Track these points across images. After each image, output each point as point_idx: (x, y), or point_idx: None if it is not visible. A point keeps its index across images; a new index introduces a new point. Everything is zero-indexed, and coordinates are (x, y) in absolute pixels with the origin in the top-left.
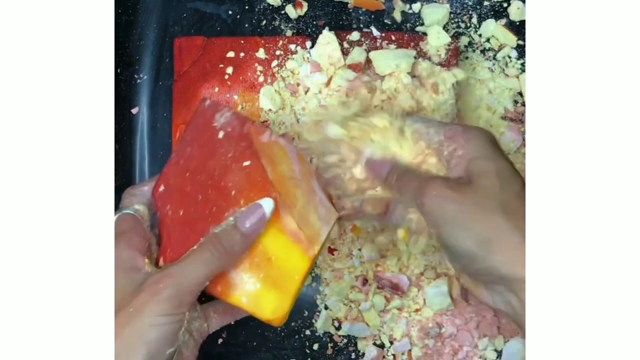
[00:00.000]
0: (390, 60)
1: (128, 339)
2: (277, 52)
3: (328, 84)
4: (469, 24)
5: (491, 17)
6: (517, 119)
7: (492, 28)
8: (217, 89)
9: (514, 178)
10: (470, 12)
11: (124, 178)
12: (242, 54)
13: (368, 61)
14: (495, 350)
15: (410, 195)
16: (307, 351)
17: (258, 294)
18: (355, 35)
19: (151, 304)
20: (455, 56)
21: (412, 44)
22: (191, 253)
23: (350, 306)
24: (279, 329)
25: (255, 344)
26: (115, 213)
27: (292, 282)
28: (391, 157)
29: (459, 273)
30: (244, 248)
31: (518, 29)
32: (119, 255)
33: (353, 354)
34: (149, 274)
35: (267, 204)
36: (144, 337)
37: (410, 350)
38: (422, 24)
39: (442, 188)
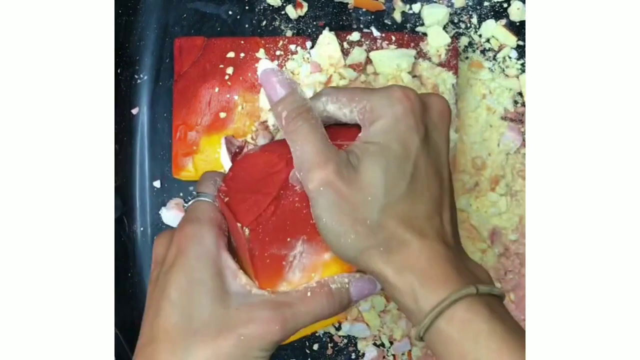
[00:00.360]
0: (391, 60)
1: None
2: (277, 53)
3: (328, 83)
4: (469, 24)
5: (491, 18)
6: (517, 119)
7: (493, 28)
8: (217, 89)
9: (403, 169)
10: (470, 13)
11: (124, 178)
12: (242, 54)
13: (367, 62)
14: None
15: (297, 154)
16: (307, 351)
17: None
18: (355, 36)
19: (262, 342)
20: (455, 56)
21: (412, 44)
22: (304, 300)
23: None
24: None
25: None
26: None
27: (309, 330)
28: (294, 84)
29: None
30: (344, 311)
31: (518, 29)
32: (208, 252)
33: (353, 354)
34: (254, 296)
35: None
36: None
37: (410, 351)
38: (422, 24)
39: (332, 176)
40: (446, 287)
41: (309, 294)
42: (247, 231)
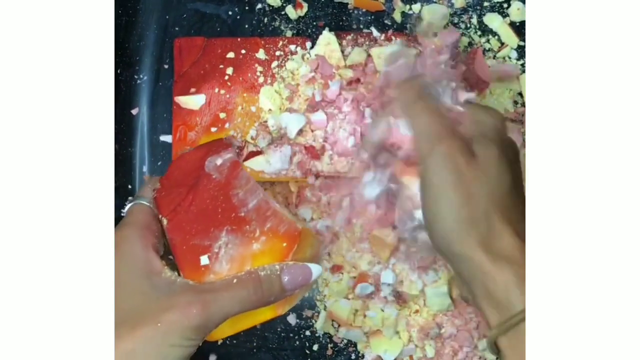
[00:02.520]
0: None
1: (149, 353)
2: (277, 53)
3: (327, 84)
4: (469, 24)
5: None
6: (517, 119)
7: (497, 25)
8: (217, 90)
9: (510, 167)
10: (470, 13)
11: (124, 178)
12: (242, 55)
13: (367, 62)
14: None
15: (421, 129)
16: (307, 352)
17: None
18: (355, 36)
19: (181, 326)
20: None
21: (412, 44)
22: (229, 286)
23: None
24: (279, 329)
25: (255, 344)
26: (128, 202)
27: (248, 323)
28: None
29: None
30: (279, 300)
31: (518, 29)
32: (133, 253)
33: (353, 354)
34: (176, 285)
35: (316, 271)
36: (164, 356)
37: (412, 355)
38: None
39: (456, 152)
40: None
41: (235, 280)
42: (165, 221)
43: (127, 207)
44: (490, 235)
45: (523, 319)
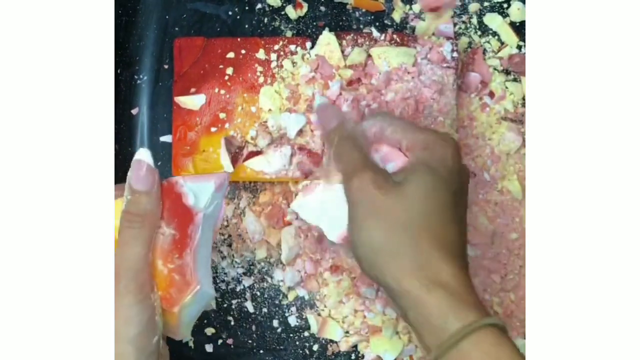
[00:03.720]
0: (392, 58)
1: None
2: (277, 53)
3: (327, 85)
4: (469, 24)
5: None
6: (517, 119)
7: (498, 24)
8: (217, 90)
9: (444, 194)
10: (470, 13)
11: (124, 178)
12: (242, 55)
13: (367, 62)
14: None
15: (342, 166)
16: (307, 352)
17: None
18: (355, 36)
19: (116, 302)
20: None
21: (412, 44)
22: (118, 239)
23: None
24: (279, 329)
25: (255, 344)
26: None
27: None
28: (343, 115)
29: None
30: (154, 203)
31: (518, 29)
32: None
33: (353, 354)
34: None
35: (143, 155)
36: (125, 335)
37: (412, 355)
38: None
39: (368, 184)
40: (476, 311)
41: (118, 232)
42: None
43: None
44: (418, 262)
45: (461, 338)
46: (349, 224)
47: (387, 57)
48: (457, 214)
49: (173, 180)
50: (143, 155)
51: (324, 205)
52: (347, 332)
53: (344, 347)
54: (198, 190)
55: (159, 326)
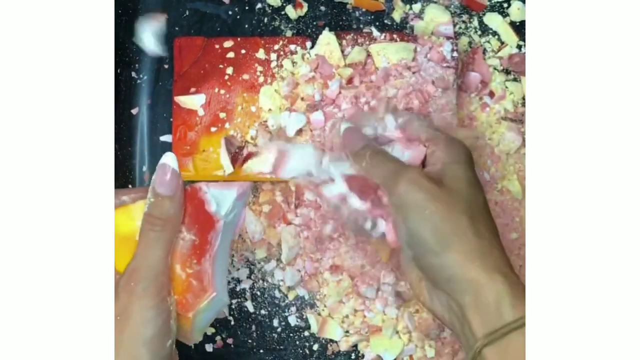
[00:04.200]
0: (391, 54)
1: (127, 346)
2: (277, 53)
3: (326, 84)
4: (469, 24)
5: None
6: (517, 119)
7: (498, 24)
8: (217, 89)
9: (480, 190)
10: (470, 12)
11: (124, 178)
12: (242, 55)
13: (366, 62)
14: None
15: (382, 175)
16: (307, 351)
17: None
18: (355, 36)
19: (134, 303)
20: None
21: (412, 44)
22: (139, 241)
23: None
24: (279, 329)
25: (255, 344)
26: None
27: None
28: (368, 137)
29: (408, 265)
30: (177, 207)
31: (518, 29)
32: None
33: (353, 354)
34: (118, 279)
35: (169, 159)
36: (141, 337)
37: (412, 355)
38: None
39: (419, 176)
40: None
41: (138, 234)
42: None
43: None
44: (480, 248)
45: (512, 330)
46: (403, 221)
47: (386, 53)
48: (488, 208)
49: (197, 186)
50: (168, 160)
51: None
52: (347, 331)
53: (344, 346)
54: (220, 198)
55: (173, 330)
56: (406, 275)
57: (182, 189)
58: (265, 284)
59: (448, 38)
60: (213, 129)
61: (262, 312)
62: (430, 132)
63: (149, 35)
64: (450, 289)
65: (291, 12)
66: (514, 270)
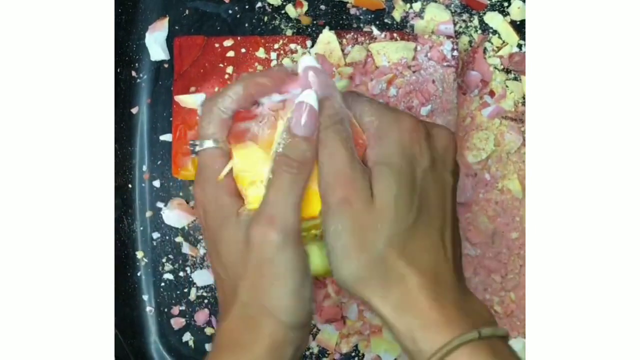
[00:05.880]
0: (391, 53)
1: (274, 297)
2: (277, 52)
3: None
4: (469, 23)
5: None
6: (517, 118)
7: (498, 23)
8: (217, 89)
9: (411, 200)
10: (470, 11)
11: (124, 178)
12: (242, 54)
13: (366, 61)
14: None
15: (325, 168)
16: (307, 352)
17: None
18: (355, 35)
19: (276, 255)
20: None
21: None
22: (271, 184)
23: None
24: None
25: None
26: (195, 141)
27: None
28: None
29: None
30: (313, 150)
31: (518, 28)
32: (221, 201)
33: (353, 353)
34: (248, 219)
35: (309, 98)
36: (289, 288)
37: None
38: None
39: (352, 195)
40: (448, 331)
41: (269, 176)
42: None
43: (198, 149)
44: (388, 280)
45: (446, 354)
46: (327, 237)
47: (386, 52)
48: (429, 211)
49: None
50: (309, 98)
51: None
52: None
53: (344, 349)
54: None
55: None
56: None
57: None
58: None
59: (448, 37)
60: None
61: None
62: (378, 114)
63: (155, 44)
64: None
65: (291, 11)
66: (433, 304)
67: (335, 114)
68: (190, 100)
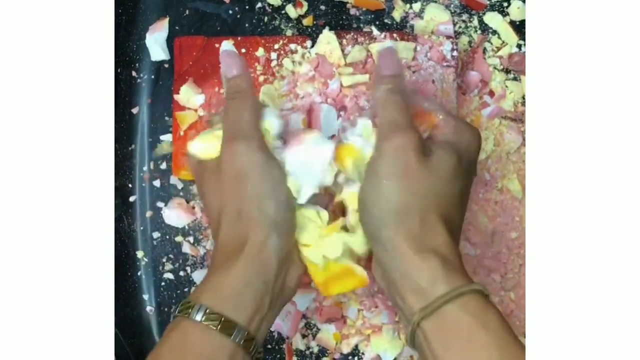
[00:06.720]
0: None
1: (251, 200)
2: (277, 52)
3: (325, 83)
4: (469, 23)
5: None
6: (517, 118)
7: (498, 23)
8: (217, 89)
9: (462, 182)
10: (470, 12)
11: (124, 178)
12: (242, 54)
13: (367, 61)
14: None
15: (384, 119)
16: (307, 351)
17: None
18: (355, 35)
19: (246, 161)
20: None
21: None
22: (226, 115)
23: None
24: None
25: None
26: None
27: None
28: (402, 68)
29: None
30: (249, 82)
31: (518, 28)
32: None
33: (353, 353)
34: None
35: (227, 46)
36: (265, 190)
37: (412, 356)
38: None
39: (409, 146)
40: (464, 278)
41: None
42: None
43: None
44: (421, 229)
45: (446, 302)
46: (371, 175)
47: None
48: (464, 201)
49: None
50: (227, 46)
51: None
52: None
53: (345, 349)
54: None
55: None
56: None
57: (247, 67)
58: None
59: (448, 37)
60: None
61: None
62: (442, 113)
63: (155, 44)
64: (383, 263)
65: (291, 11)
66: (455, 256)
67: (399, 86)
68: (191, 100)
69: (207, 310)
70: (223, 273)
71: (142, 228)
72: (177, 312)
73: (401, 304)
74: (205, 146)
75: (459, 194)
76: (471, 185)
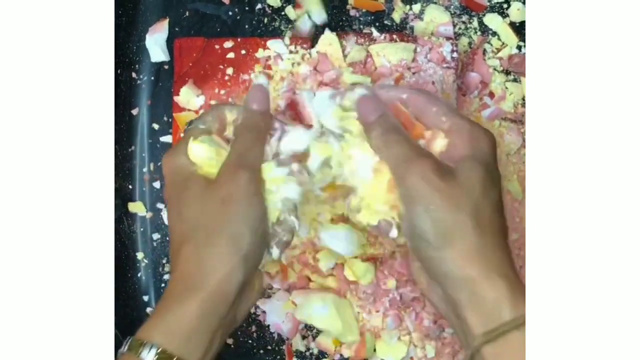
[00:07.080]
0: (391, 54)
1: (233, 226)
2: (277, 53)
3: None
4: (468, 25)
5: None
6: (517, 119)
7: (497, 24)
8: (217, 90)
9: (495, 187)
10: (470, 13)
11: (124, 178)
12: (242, 55)
13: (367, 61)
14: None
15: (393, 159)
16: (307, 352)
17: None
18: (355, 37)
19: (241, 189)
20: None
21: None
22: (235, 143)
23: None
24: None
25: (255, 344)
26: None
27: None
28: (384, 108)
29: (410, 254)
30: (268, 121)
31: (518, 30)
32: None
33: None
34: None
35: (263, 80)
36: (247, 218)
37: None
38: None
39: (429, 172)
40: (515, 307)
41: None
42: None
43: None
44: (480, 247)
45: (511, 329)
46: (408, 212)
47: (386, 53)
48: (500, 206)
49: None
50: (263, 81)
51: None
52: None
53: (346, 353)
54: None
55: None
56: (409, 262)
57: (269, 104)
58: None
59: (448, 39)
60: None
61: (263, 312)
62: (453, 119)
63: (155, 45)
64: (446, 284)
65: (291, 12)
66: (516, 272)
67: (393, 124)
68: (190, 101)
69: (159, 350)
70: (179, 307)
71: (142, 229)
72: (126, 349)
73: (461, 325)
74: (208, 156)
75: (498, 200)
76: (502, 188)
